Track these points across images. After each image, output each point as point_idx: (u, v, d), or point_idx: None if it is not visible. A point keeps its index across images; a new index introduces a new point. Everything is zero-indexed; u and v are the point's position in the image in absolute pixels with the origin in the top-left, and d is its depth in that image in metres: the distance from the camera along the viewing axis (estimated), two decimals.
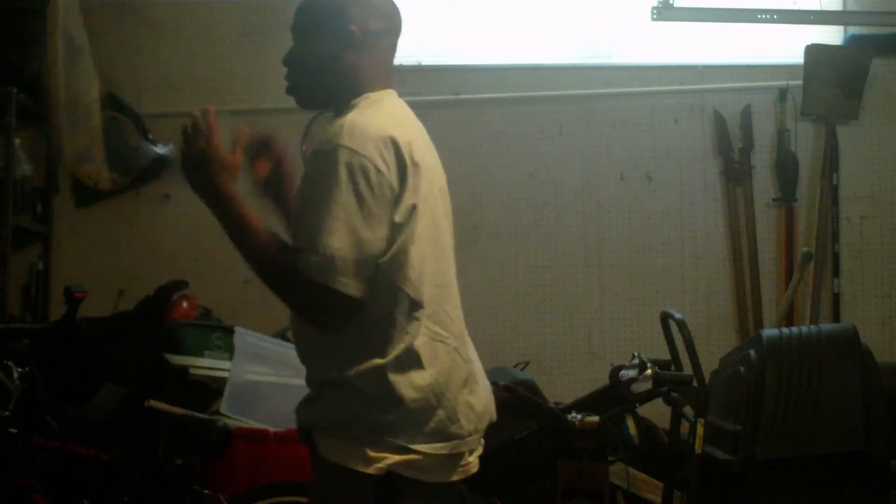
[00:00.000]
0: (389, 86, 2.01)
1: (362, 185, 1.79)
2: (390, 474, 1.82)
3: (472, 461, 1.96)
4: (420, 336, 1.85)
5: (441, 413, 1.85)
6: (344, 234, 1.77)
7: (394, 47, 2.05)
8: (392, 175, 1.83)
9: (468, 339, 2.00)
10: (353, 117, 1.86)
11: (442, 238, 1.95)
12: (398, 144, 1.84)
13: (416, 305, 1.85)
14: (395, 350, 1.83)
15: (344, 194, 1.78)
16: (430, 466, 1.85)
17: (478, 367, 2.00)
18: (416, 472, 1.84)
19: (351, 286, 1.78)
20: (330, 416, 1.86)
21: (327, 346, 1.88)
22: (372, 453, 1.81)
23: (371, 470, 1.81)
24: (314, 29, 1.98)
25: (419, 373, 1.84)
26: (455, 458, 1.89)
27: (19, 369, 3.04)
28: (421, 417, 1.84)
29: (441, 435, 1.85)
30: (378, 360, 1.82)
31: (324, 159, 1.82)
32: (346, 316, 1.81)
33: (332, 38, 1.96)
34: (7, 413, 2.93)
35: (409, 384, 1.83)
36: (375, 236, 1.80)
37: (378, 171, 1.81)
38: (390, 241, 1.83)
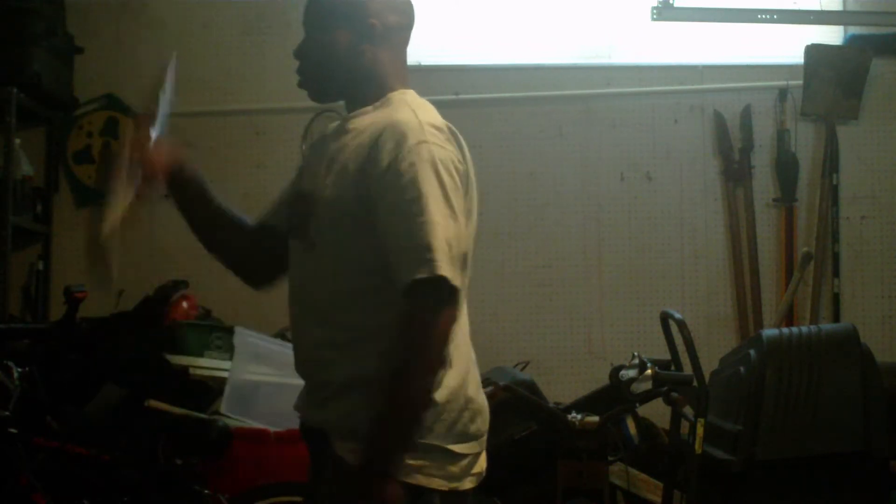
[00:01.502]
0: (408, 84, 1.99)
1: (449, 182, 1.78)
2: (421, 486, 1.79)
3: (484, 465, 1.94)
4: None
5: (467, 414, 1.84)
6: (443, 231, 1.73)
7: (407, 42, 2.03)
8: (461, 159, 1.85)
9: None
10: (410, 114, 1.84)
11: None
12: (457, 137, 1.87)
13: None
14: None
15: (439, 190, 1.75)
16: (460, 471, 1.84)
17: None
18: (445, 481, 1.81)
19: (457, 277, 1.73)
20: (355, 418, 1.77)
21: (348, 344, 1.83)
22: (408, 461, 1.76)
23: (409, 479, 1.77)
24: (332, 21, 1.95)
25: (448, 373, 1.81)
26: (474, 460, 1.88)
27: (19, 369, 3.04)
28: (451, 418, 1.82)
29: (467, 436, 1.85)
30: None
31: (407, 158, 1.76)
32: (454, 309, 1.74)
33: (351, 31, 1.94)
34: (7, 413, 2.93)
35: (440, 384, 1.79)
36: (464, 228, 1.80)
37: (459, 162, 1.83)
38: None
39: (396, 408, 1.71)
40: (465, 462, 1.85)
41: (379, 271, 1.79)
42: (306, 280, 1.92)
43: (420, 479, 1.78)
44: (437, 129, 1.83)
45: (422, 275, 1.70)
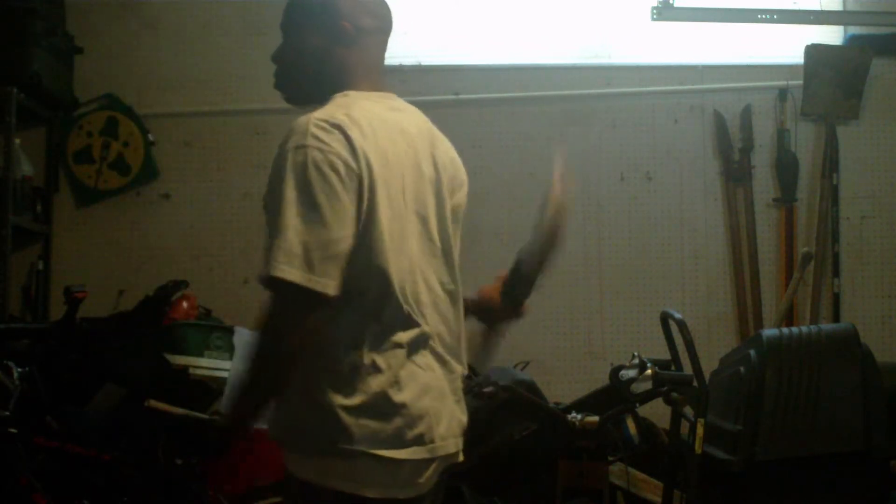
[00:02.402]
0: (379, 86, 1.98)
1: (313, 175, 1.75)
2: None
3: (433, 475, 1.90)
4: None
5: (399, 420, 1.81)
6: (296, 234, 1.72)
7: (384, 46, 2.03)
8: (348, 157, 1.78)
9: None
10: (309, 115, 1.83)
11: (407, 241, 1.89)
12: (343, 128, 1.79)
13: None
14: None
15: (290, 193, 1.74)
16: (395, 478, 1.82)
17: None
18: (379, 488, 1.80)
19: (313, 280, 1.71)
20: (278, 427, 1.90)
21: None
22: (335, 467, 1.81)
23: (339, 486, 1.81)
24: (305, 25, 1.97)
25: (369, 377, 1.81)
26: (420, 468, 1.85)
27: (19, 369, 3.04)
28: (374, 424, 1.80)
29: (403, 441, 1.82)
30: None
31: (275, 161, 1.81)
32: (322, 317, 1.76)
33: (323, 34, 1.95)
34: (7, 413, 2.93)
35: (353, 389, 1.83)
36: (341, 230, 1.75)
37: (345, 164, 1.77)
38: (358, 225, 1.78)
39: (249, 384, 1.80)
40: (404, 469, 1.82)
41: None
42: None
43: (349, 487, 1.78)
44: (324, 129, 1.79)
45: (263, 274, 1.73)
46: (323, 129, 1.78)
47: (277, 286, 1.71)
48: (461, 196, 2.07)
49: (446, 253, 2.00)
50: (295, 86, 2.01)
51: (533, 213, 2.20)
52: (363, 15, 1.97)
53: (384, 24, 2.03)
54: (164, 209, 4.60)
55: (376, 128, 1.85)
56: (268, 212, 1.79)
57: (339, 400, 1.78)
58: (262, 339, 1.76)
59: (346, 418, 1.78)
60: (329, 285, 1.72)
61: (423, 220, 1.92)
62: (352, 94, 1.92)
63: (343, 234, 1.75)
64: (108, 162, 4.56)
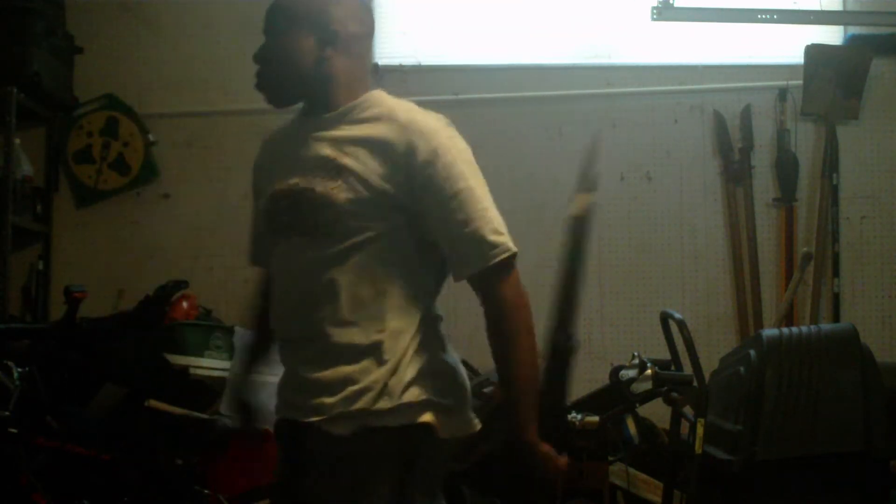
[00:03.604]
0: (369, 89, 2.03)
1: (474, 162, 1.98)
2: None
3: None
4: None
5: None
6: (492, 209, 1.95)
7: (370, 50, 2.11)
8: None
9: None
10: (423, 113, 1.97)
11: None
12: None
13: None
14: None
15: (472, 178, 1.97)
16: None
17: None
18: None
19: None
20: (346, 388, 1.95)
21: (358, 322, 1.94)
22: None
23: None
24: (294, 27, 1.98)
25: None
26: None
27: (19, 369, 3.04)
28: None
29: None
30: None
31: (443, 155, 1.91)
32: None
33: (314, 36, 1.97)
34: (7, 413, 2.93)
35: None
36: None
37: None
38: None
39: (524, 389, 1.91)
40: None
41: (401, 256, 1.93)
42: (311, 267, 1.94)
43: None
44: (446, 122, 1.97)
45: (496, 258, 1.90)
46: (446, 122, 1.97)
47: (511, 262, 1.91)
48: None
49: None
50: (282, 86, 2.02)
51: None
52: (351, 20, 2.01)
53: (369, 30, 2.07)
54: (164, 209, 4.61)
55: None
56: (444, 203, 1.91)
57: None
58: (522, 332, 1.94)
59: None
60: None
61: None
62: (384, 93, 2.04)
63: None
64: (108, 162, 4.57)
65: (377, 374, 1.88)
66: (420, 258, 1.95)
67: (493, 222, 1.91)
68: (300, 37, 1.97)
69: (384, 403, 1.87)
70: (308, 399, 1.91)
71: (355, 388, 1.87)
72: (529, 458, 1.92)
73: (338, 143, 1.93)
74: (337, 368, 1.89)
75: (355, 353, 1.89)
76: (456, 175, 1.91)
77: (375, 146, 1.90)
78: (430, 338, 1.96)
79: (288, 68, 1.99)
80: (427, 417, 1.90)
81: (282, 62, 1.99)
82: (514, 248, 1.90)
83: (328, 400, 1.88)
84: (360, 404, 1.87)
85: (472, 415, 2.01)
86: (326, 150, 1.93)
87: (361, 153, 1.90)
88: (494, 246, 1.89)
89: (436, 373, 1.94)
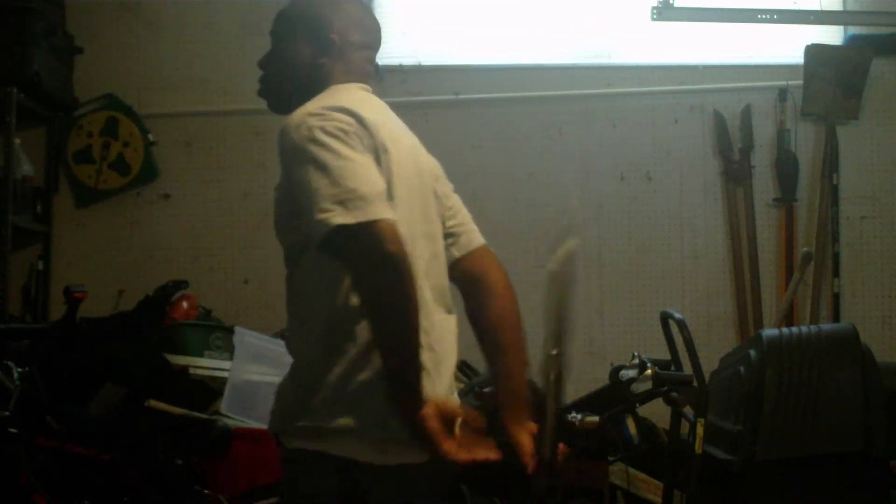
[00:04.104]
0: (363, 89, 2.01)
1: (328, 138, 1.75)
2: None
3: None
4: None
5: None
6: (328, 187, 1.71)
7: (371, 61, 2.07)
8: (355, 124, 1.80)
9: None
10: (307, 106, 1.85)
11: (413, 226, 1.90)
12: (344, 107, 1.82)
13: None
14: None
15: (306, 164, 1.74)
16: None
17: None
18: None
19: (366, 211, 1.68)
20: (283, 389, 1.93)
21: (296, 332, 1.92)
22: None
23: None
24: (294, 34, 2.00)
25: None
26: None
27: (19, 369, 3.04)
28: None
29: None
30: None
31: (284, 152, 1.82)
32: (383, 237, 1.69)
33: (311, 45, 1.98)
34: (7, 413, 2.93)
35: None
36: (371, 177, 1.74)
37: (349, 124, 1.78)
38: None
39: (388, 355, 1.71)
40: None
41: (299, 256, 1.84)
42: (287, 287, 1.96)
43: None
44: (321, 108, 1.81)
45: (322, 237, 1.69)
46: (320, 108, 1.81)
47: (342, 237, 1.67)
48: (443, 186, 2.08)
49: (437, 241, 2.02)
50: (279, 94, 2.02)
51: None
52: (352, 29, 2.00)
53: (372, 40, 2.06)
54: (164, 209, 4.61)
55: (376, 109, 1.91)
56: (295, 196, 1.78)
57: None
58: (372, 302, 1.69)
59: None
60: (381, 211, 1.68)
61: (424, 207, 1.95)
62: (342, 86, 1.96)
63: (374, 175, 1.75)
64: (108, 162, 4.57)
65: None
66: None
67: (321, 202, 1.68)
68: (298, 44, 1.99)
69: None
70: None
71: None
72: (421, 437, 1.69)
73: None
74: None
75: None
76: (292, 162, 1.78)
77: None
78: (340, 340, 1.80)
79: (284, 76, 2.00)
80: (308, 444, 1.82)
81: (279, 69, 2.01)
82: (338, 221, 1.66)
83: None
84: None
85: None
86: None
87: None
88: (319, 223, 1.68)
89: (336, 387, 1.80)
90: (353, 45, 2.00)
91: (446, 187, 2.09)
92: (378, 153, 1.82)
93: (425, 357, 1.77)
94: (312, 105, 1.84)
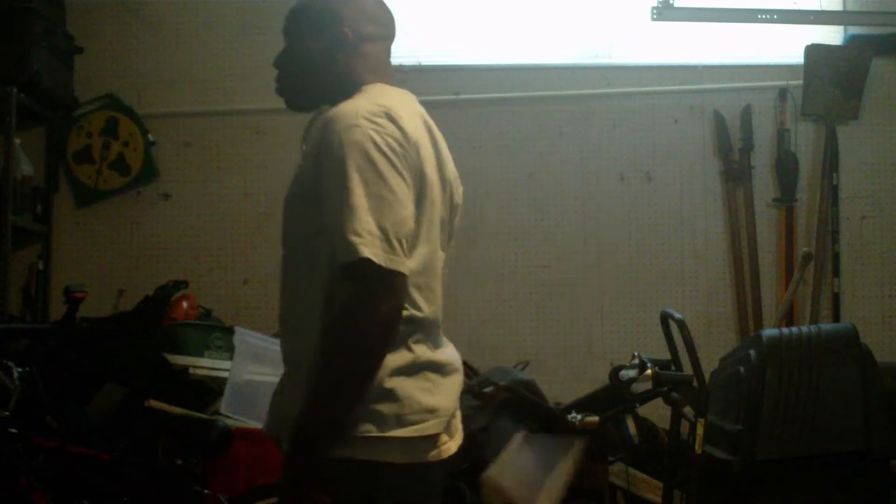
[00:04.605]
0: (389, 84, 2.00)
1: (379, 156, 1.75)
2: None
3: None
4: None
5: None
6: (368, 214, 1.70)
7: (388, 52, 2.05)
8: (402, 140, 1.80)
9: None
10: (354, 103, 1.84)
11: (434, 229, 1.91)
12: (391, 114, 1.81)
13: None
14: None
15: (354, 172, 1.73)
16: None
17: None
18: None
19: (395, 261, 1.70)
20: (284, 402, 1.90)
21: (297, 332, 1.90)
22: None
23: None
24: (307, 31, 1.99)
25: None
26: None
27: (19, 369, 3.04)
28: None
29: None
30: None
31: (325, 146, 1.78)
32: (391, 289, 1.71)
33: (324, 41, 1.97)
34: (7, 413, 2.93)
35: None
36: (400, 199, 1.75)
37: (400, 145, 1.79)
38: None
39: (324, 388, 1.71)
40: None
41: (317, 259, 1.81)
42: (282, 278, 1.96)
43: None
44: (375, 112, 1.80)
45: (347, 259, 1.69)
46: (373, 112, 1.80)
47: (361, 269, 1.68)
48: (459, 195, 2.06)
49: (445, 251, 2.00)
50: (296, 91, 2.02)
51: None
52: (365, 22, 1.99)
53: (387, 31, 2.05)
54: (164, 209, 4.60)
55: (412, 118, 1.88)
56: (328, 196, 1.76)
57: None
58: (340, 334, 1.69)
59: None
60: (405, 265, 1.72)
61: (442, 220, 1.94)
62: (379, 85, 1.95)
63: (408, 212, 1.77)
64: (108, 162, 4.56)
65: None
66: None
67: (356, 224, 1.69)
68: (312, 41, 1.98)
69: None
70: None
71: None
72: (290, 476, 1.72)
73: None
74: None
75: None
76: (335, 161, 1.74)
77: (310, 142, 1.88)
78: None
79: (301, 73, 1.99)
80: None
81: (295, 67, 2.00)
82: (367, 255, 1.67)
83: None
84: None
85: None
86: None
87: (304, 150, 1.90)
88: (348, 245, 1.69)
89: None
90: (368, 38, 1.99)
91: (460, 195, 2.07)
92: (418, 179, 1.83)
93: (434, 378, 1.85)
94: (364, 104, 1.82)
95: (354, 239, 1.68)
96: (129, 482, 3.14)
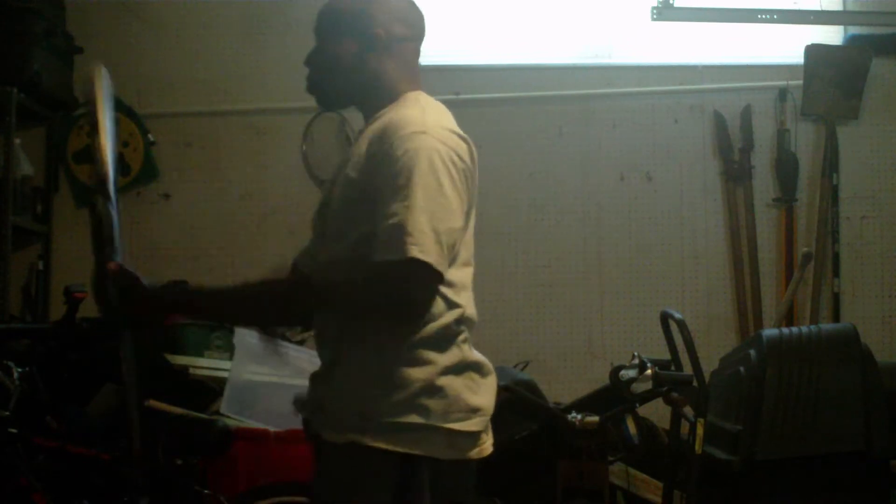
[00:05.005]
0: (418, 88, 2.05)
1: (445, 173, 1.82)
2: None
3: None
4: None
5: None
6: (428, 217, 1.78)
7: (417, 52, 2.09)
8: (469, 168, 1.89)
9: None
10: (417, 113, 1.91)
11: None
12: (468, 143, 1.92)
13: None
14: None
15: (418, 176, 1.79)
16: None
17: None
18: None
19: (434, 259, 1.77)
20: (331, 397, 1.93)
21: (338, 329, 1.92)
22: None
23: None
24: (339, 31, 2.01)
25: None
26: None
27: (19, 369, 3.04)
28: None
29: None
30: None
31: (385, 146, 1.83)
32: (431, 290, 1.82)
33: (357, 41, 2.00)
34: (7, 413, 2.92)
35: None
36: (455, 225, 1.83)
37: (462, 160, 1.87)
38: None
39: (269, 301, 1.92)
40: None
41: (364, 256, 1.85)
42: (322, 269, 1.98)
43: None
44: (443, 127, 1.89)
45: (395, 256, 1.75)
46: (441, 125, 1.89)
47: (412, 267, 1.75)
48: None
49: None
50: (327, 90, 2.04)
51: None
52: (396, 23, 2.03)
53: (417, 32, 2.09)
54: (164, 209, 4.60)
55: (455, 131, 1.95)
56: (384, 199, 1.80)
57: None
58: (355, 289, 1.81)
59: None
60: (446, 268, 1.80)
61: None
62: (423, 94, 2.02)
63: (461, 224, 1.85)
64: None
65: None
66: None
67: (416, 224, 1.76)
68: (343, 41, 2.00)
69: None
70: None
71: None
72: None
73: (359, 141, 1.96)
74: None
75: None
76: (403, 166, 1.80)
77: (364, 146, 1.91)
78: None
79: (332, 73, 2.02)
80: None
81: (326, 67, 2.02)
82: (415, 255, 1.75)
83: None
84: None
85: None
86: (351, 150, 1.98)
87: (356, 153, 1.92)
88: (399, 241, 1.76)
89: None
90: (399, 39, 2.03)
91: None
92: (472, 198, 1.92)
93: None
94: (430, 116, 1.91)
95: (408, 242, 1.75)
96: (129, 482, 3.14)
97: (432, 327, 1.85)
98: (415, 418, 1.82)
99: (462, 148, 1.89)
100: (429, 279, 1.78)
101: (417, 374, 1.84)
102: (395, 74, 2.01)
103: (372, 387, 1.83)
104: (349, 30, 2.00)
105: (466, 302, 1.92)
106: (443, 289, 1.84)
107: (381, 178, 1.82)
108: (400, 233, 1.75)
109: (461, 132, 1.93)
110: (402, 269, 1.76)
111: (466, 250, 1.93)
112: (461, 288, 1.90)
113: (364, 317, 1.84)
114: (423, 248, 1.75)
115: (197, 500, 3.11)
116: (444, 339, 1.87)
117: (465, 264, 1.93)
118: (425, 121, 1.86)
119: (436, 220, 1.78)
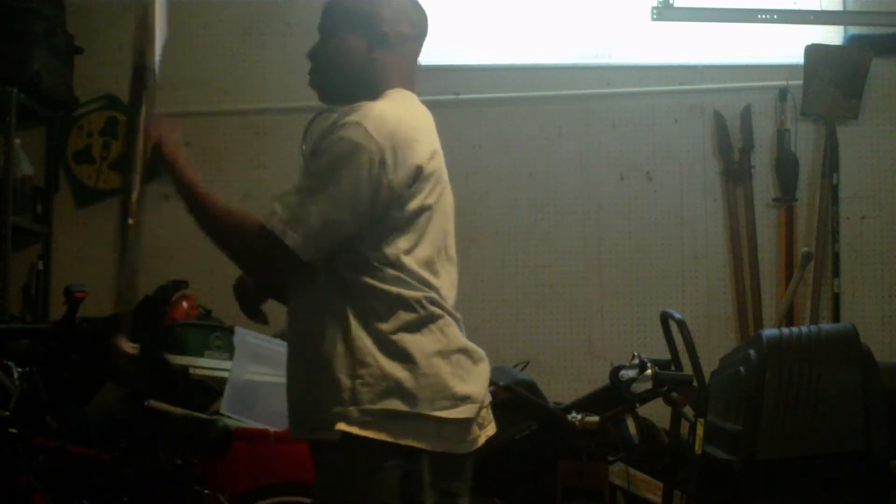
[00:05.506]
0: (412, 88, 2.06)
1: (357, 167, 1.84)
2: None
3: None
4: None
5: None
6: (320, 208, 1.83)
7: (418, 52, 2.11)
8: (398, 175, 1.86)
9: None
10: (379, 105, 1.91)
11: (449, 249, 2.02)
12: (416, 149, 1.89)
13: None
14: None
15: (334, 169, 1.84)
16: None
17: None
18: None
19: (303, 249, 1.84)
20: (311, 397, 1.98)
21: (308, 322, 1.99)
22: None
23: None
24: (346, 27, 2.02)
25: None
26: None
27: (19, 369, 3.04)
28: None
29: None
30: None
31: (335, 133, 1.86)
32: (287, 271, 1.92)
33: (364, 38, 2.01)
34: (7, 413, 2.93)
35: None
36: (349, 220, 1.86)
37: (398, 163, 1.86)
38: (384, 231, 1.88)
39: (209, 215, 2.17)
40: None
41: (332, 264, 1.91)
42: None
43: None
44: (403, 125, 1.89)
45: (270, 225, 1.86)
46: (403, 122, 1.90)
47: (272, 241, 1.86)
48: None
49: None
50: (330, 85, 2.06)
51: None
52: (402, 22, 2.04)
53: (421, 31, 2.10)
54: (164, 209, 4.59)
55: (426, 129, 1.97)
56: (303, 167, 1.89)
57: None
58: (242, 230, 2.00)
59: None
60: (310, 256, 1.85)
61: (447, 232, 2.02)
62: (405, 93, 2.02)
63: (347, 219, 1.85)
64: (108, 162, 4.57)
65: None
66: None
67: (288, 210, 1.85)
68: (350, 38, 2.02)
69: None
70: None
71: None
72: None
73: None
74: None
75: None
76: (317, 162, 1.89)
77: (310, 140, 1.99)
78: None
79: (337, 68, 2.03)
80: None
81: (331, 62, 2.03)
82: (272, 225, 1.86)
83: None
84: None
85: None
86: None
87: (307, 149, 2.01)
88: (272, 213, 1.87)
89: None
90: (404, 38, 2.04)
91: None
92: (439, 196, 1.95)
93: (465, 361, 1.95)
94: (395, 113, 1.91)
95: (284, 214, 1.84)
96: (129, 482, 3.15)
97: (405, 312, 1.88)
98: (399, 405, 1.83)
99: (415, 150, 1.89)
100: (283, 258, 1.85)
101: (395, 359, 1.86)
102: (392, 72, 2.02)
103: (347, 375, 1.85)
104: (357, 26, 2.01)
105: (447, 294, 1.95)
106: (415, 267, 1.88)
107: (314, 153, 1.89)
108: (282, 207, 1.84)
109: (430, 136, 1.96)
110: (267, 240, 1.86)
111: (436, 233, 1.95)
112: (437, 275, 1.93)
113: (225, 253, 2.07)
114: (294, 229, 1.83)
115: (197, 500, 3.11)
116: (422, 322, 1.89)
117: (449, 260, 1.98)
118: (373, 115, 1.87)
119: (322, 208, 1.83)
